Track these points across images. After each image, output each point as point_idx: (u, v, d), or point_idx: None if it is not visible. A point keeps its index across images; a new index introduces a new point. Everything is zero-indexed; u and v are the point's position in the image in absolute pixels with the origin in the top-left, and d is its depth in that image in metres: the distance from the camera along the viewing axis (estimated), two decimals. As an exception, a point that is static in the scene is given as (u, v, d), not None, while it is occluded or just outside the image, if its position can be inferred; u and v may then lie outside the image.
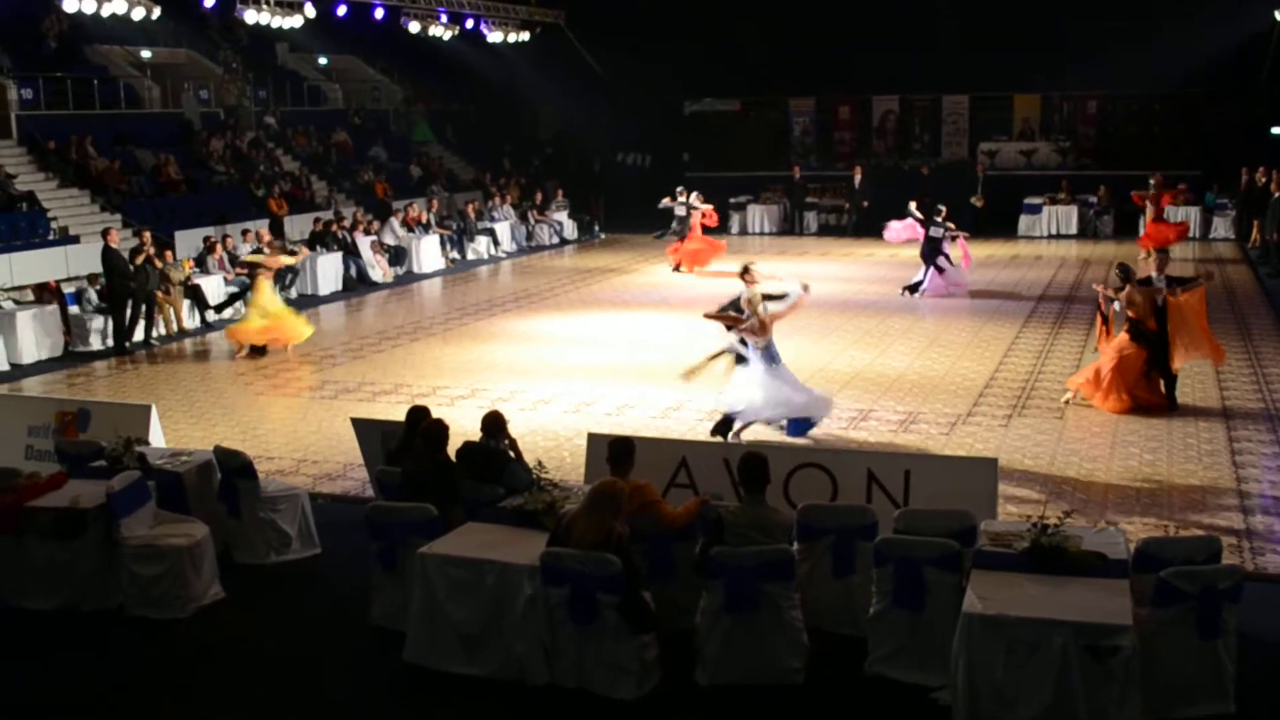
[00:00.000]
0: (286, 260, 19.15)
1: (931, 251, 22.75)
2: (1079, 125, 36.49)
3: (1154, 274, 14.54)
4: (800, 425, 13.06)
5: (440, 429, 9.29)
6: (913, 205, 23.40)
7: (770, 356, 12.81)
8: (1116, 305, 14.49)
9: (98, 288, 20.10)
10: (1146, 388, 14.21)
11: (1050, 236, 32.13)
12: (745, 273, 13.60)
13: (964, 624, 7.11)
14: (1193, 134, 33.07)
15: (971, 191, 31.58)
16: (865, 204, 32.73)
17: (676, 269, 27.11)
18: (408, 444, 9.76)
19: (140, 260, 19.71)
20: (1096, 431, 13.49)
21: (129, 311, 19.66)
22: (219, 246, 22.92)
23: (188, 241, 24.10)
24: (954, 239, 22.98)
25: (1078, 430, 13.56)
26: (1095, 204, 32.22)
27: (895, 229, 25.08)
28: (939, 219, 22.61)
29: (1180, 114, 34.21)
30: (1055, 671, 6.89)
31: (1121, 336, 14.28)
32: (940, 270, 22.64)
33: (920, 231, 22.92)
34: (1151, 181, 27.96)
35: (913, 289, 22.80)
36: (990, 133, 36.47)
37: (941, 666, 7.38)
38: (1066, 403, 14.54)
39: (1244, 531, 10.38)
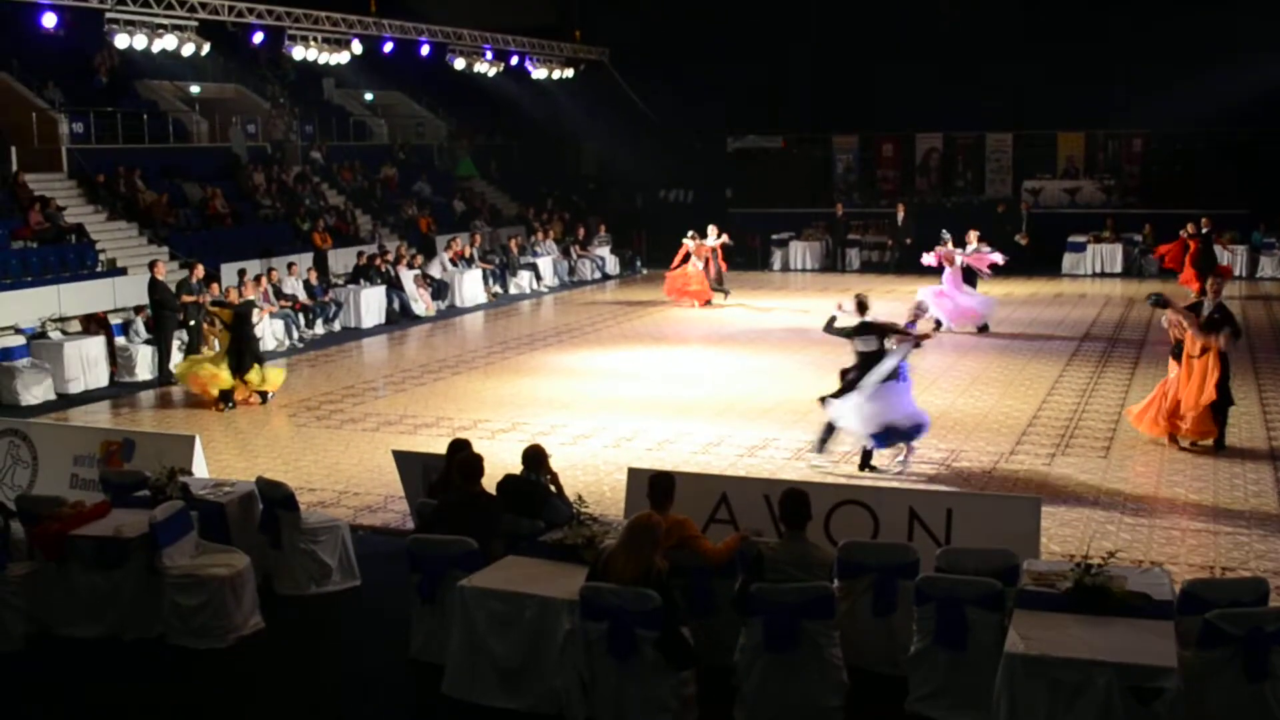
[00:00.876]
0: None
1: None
2: (1124, 163, 36.28)
3: (1209, 300, 14.33)
4: (883, 438, 13.18)
5: (474, 461, 9.30)
6: (972, 236, 23.12)
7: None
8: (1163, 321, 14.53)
9: (144, 319, 20.34)
10: (1192, 417, 13.98)
11: (1095, 275, 31.95)
12: (862, 308, 13.62)
13: (1006, 664, 7.04)
14: (1239, 173, 32.77)
15: (1015, 229, 31.45)
16: (908, 241, 32.61)
17: (707, 303, 27.15)
18: (448, 476, 9.78)
19: (197, 299, 19.93)
20: (1141, 471, 13.37)
21: (174, 343, 19.86)
22: (263, 279, 23.09)
23: (234, 274, 24.28)
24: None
25: (1122, 469, 13.43)
26: (1140, 242, 31.98)
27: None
28: (944, 244, 22.62)
29: (1226, 152, 33.87)
30: (1098, 713, 6.80)
31: (1171, 361, 14.29)
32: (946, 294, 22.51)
33: (985, 259, 22.78)
34: (1204, 225, 27.58)
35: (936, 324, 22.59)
36: (1034, 170, 36.35)
37: (983, 707, 7.30)
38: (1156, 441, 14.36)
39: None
